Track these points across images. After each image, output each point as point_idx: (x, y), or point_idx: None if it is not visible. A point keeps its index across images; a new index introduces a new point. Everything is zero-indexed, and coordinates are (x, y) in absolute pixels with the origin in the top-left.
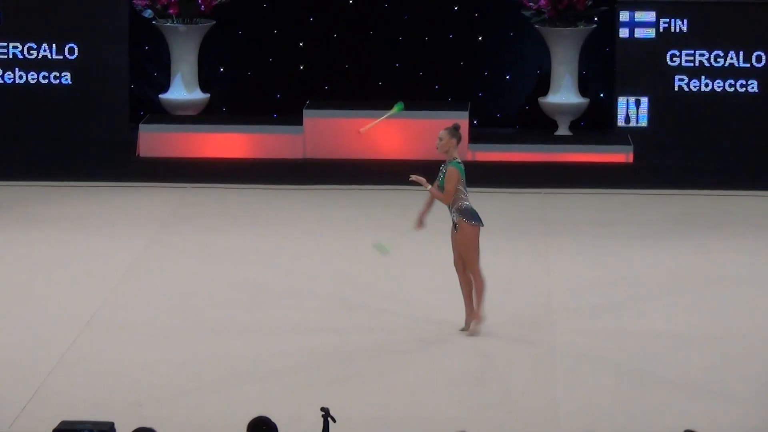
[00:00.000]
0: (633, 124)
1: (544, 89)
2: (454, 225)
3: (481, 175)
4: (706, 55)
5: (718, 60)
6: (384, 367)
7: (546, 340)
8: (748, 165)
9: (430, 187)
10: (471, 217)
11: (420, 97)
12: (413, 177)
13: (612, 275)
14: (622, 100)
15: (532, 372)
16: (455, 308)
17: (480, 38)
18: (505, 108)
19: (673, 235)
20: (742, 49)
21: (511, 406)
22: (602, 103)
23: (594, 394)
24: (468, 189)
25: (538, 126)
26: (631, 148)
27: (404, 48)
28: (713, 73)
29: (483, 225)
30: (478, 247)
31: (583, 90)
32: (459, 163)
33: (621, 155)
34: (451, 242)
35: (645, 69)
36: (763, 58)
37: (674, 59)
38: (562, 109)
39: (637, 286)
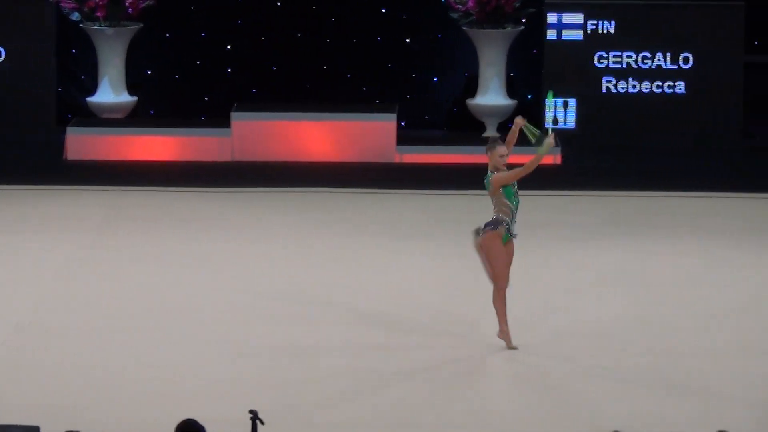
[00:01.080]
0: (561, 125)
1: (472, 91)
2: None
3: (409, 178)
4: (634, 57)
5: (646, 61)
6: (314, 370)
7: (475, 340)
8: (675, 166)
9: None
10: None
11: (348, 99)
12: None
13: (541, 276)
14: (549, 102)
15: (463, 372)
16: (384, 309)
17: (408, 40)
18: (433, 110)
19: (602, 237)
20: (670, 51)
21: (441, 408)
22: (530, 104)
23: (519, 391)
24: (395, 191)
25: (466, 128)
26: (559, 149)
27: (332, 50)
28: (641, 74)
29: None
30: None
31: (510, 91)
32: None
33: (549, 156)
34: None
35: (573, 70)
36: (691, 59)
37: (602, 61)
38: (490, 110)
39: (565, 287)
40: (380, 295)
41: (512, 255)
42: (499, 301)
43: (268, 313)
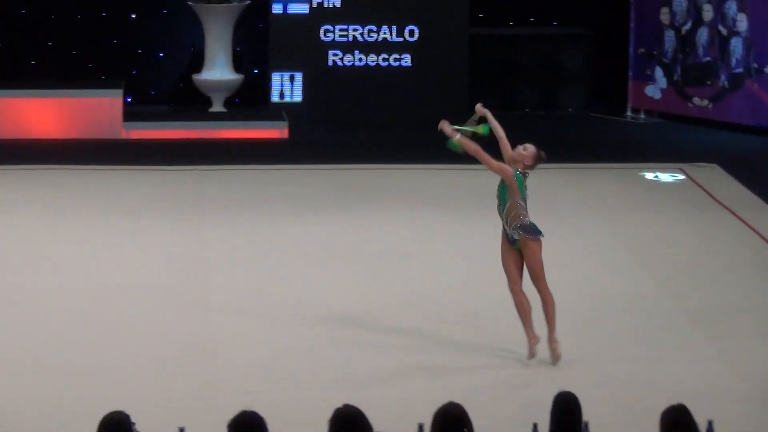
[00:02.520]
0: (287, 99)
1: (198, 66)
2: (514, 242)
3: (136, 154)
4: (360, 30)
5: (372, 35)
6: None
7: (201, 317)
8: (402, 139)
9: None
10: (532, 231)
11: (73, 75)
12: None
13: (269, 250)
14: (276, 76)
15: (187, 348)
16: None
17: (133, 16)
18: (159, 85)
19: (330, 210)
20: (395, 24)
21: (172, 383)
22: (256, 79)
23: (252, 368)
24: (123, 167)
25: (193, 103)
26: (285, 123)
27: (57, 26)
28: (367, 47)
29: (543, 236)
30: (542, 262)
31: (237, 66)
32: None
33: (276, 131)
34: (504, 265)
35: (299, 44)
36: (416, 32)
37: (328, 34)
38: (217, 85)
39: (294, 261)
40: (121, 270)
41: (524, 258)
42: (515, 301)
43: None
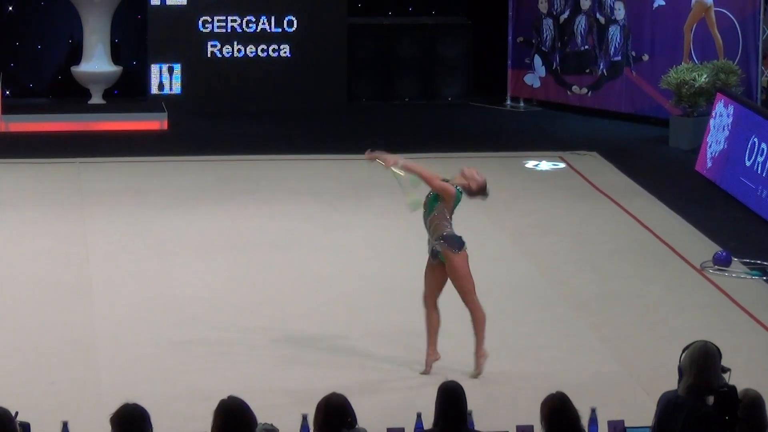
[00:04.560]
0: (166, 91)
1: (77, 58)
2: (436, 254)
3: (15, 147)
4: (239, 21)
5: (251, 25)
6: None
7: (83, 310)
8: (282, 129)
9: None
10: (455, 244)
11: None
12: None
13: (150, 242)
14: (155, 68)
15: (69, 341)
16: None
17: (10, 8)
18: (38, 78)
19: (210, 201)
20: (274, 14)
21: (54, 377)
22: (135, 70)
23: (135, 362)
24: (2, 160)
25: (72, 95)
26: (165, 115)
27: None
28: (245, 38)
29: (465, 247)
30: (471, 275)
31: (115, 58)
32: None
33: (155, 122)
34: (425, 275)
35: (177, 36)
36: (295, 22)
37: (206, 25)
38: (95, 77)
39: (175, 253)
40: (1, 263)
41: (448, 272)
42: (425, 314)
43: None
